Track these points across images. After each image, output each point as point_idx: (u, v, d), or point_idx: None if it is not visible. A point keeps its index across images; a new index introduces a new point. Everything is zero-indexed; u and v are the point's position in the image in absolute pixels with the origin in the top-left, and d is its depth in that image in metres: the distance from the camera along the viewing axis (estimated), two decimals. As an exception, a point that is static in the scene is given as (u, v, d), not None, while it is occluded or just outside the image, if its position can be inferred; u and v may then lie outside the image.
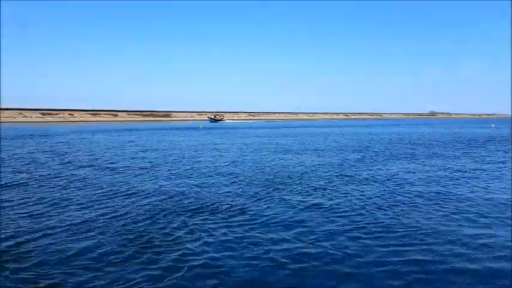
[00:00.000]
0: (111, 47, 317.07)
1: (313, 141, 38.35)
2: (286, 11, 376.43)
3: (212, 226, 9.17)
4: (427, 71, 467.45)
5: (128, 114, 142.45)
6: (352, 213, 10.31)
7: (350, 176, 16.37)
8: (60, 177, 15.98)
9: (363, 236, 8.50)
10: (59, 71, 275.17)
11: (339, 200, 11.79)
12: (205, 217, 9.91)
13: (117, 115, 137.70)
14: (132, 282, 6.31)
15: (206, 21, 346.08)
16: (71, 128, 70.96)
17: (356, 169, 18.33)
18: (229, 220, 9.66)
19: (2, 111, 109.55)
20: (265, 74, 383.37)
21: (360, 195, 12.59)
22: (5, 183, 14.54)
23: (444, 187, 13.99)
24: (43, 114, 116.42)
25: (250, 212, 10.41)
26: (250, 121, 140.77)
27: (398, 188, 13.87)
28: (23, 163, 20.31)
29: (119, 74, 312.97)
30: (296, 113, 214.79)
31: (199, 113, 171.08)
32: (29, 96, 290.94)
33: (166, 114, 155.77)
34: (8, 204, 11.23)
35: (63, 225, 9.22)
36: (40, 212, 10.39)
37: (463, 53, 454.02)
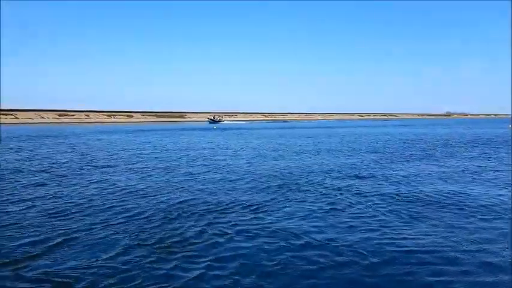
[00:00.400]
0: (122, 47, 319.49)
1: (331, 141, 37.65)
2: (288, 11, 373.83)
3: (239, 228, 8.64)
4: (437, 71, 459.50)
5: (143, 115, 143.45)
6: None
7: (373, 176, 15.69)
8: (79, 176, 15.68)
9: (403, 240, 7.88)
10: (65, 71, 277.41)
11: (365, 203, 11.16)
12: (232, 217, 9.40)
13: (132, 116, 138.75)
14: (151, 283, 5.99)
15: (208, 21, 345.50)
16: (88, 128, 71.53)
17: (374, 170, 17.63)
18: (258, 221, 9.13)
19: (19, 112, 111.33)
20: (276, 74, 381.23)
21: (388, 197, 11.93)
22: (26, 183, 14.28)
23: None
24: (59, 115, 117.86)
25: (278, 213, 9.86)
26: (254, 122, 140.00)
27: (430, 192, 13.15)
28: (43, 163, 20.14)
29: (133, 75, 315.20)
30: (310, 113, 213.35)
31: (212, 113, 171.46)
32: (44, 97, 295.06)
33: (181, 115, 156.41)
34: (29, 203, 10.89)
35: (82, 224, 8.85)
36: (60, 210, 10.02)
37: (477, 52, 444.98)
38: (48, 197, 11.98)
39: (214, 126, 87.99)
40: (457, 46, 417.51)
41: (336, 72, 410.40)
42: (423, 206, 10.89)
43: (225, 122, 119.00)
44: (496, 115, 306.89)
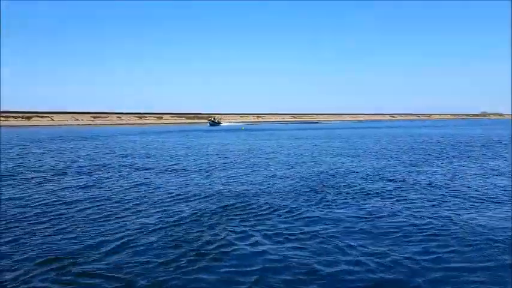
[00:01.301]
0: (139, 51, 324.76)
1: (372, 142, 36.70)
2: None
3: (271, 232, 8.25)
4: (478, 69, 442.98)
5: (172, 117, 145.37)
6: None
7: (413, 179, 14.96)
8: (123, 179, 15.71)
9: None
10: (99, 75, 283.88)
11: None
12: (267, 221, 9.02)
13: (161, 118, 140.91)
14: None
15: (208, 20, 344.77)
16: (121, 130, 72.96)
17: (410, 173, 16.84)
18: (293, 224, 8.71)
19: (55, 114, 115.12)
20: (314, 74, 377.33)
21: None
22: (69, 185, 14.41)
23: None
24: (93, 117, 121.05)
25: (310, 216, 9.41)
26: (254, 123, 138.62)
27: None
28: (85, 164, 20.41)
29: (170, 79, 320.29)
30: (339, 114, 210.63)
31: (242, 115, 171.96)
32: (79, 100, 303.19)
33: (211, 116, 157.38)
34: (72, 205, 10.89)
35: (119, 226, 8.70)
36: (109, 213, 9.92)
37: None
38: (96, 199, 11.97)
39: (243, 127, 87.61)
40: (494, 42, 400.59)
41: (365, 71, 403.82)
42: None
43: (223, 123, 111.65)
44: None
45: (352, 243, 7.75)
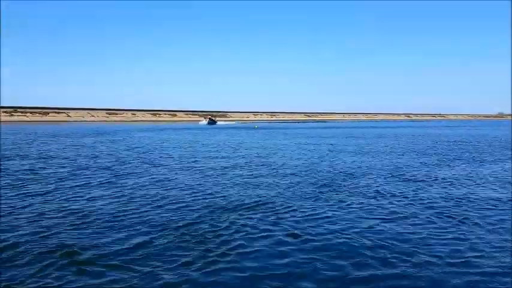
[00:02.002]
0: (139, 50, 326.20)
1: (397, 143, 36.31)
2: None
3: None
4: (492, 69, 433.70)
5: (186, 114, 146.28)
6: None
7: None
8: (141, 174, 15.82)
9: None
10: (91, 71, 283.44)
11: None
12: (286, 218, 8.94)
13: (175, 115, 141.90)
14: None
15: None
16: (136, 126, 73.64)
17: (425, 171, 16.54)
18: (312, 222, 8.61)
19: (71, 110, 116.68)
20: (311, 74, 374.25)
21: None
22: (89, 182, 14.55)
23: None
24: (109, 113, 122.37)
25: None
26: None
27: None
28: (105, 160, 20.62)
29: (176, 76, 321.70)
30: (353, 113, 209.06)
31: (255, 113, 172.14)
32: (94, 97, 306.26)
33: (223, 114, 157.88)
34: (101, 201, 10.97)
35: (131, 223, 8.71)
36: (131, 208, 9.97)
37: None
38: (118, 195, 12.05)
39: (256, 125, 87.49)
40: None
41: (380, 70, 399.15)
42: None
43: (218, 123, 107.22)
44: None
45: (384, 244, 7.62)
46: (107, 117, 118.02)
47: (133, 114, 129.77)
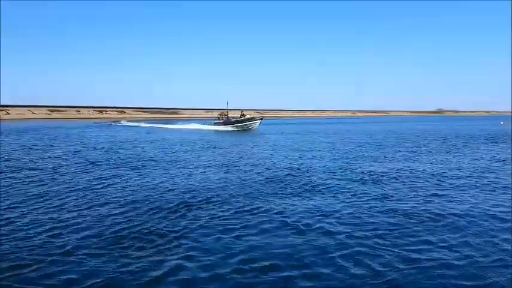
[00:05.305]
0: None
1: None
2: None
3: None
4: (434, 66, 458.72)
5: (136, 111, 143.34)
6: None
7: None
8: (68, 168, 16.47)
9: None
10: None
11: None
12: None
13: (124, 112, 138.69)
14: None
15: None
16: (79, 124, 71.88)
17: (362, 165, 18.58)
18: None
19: (11, 108, 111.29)
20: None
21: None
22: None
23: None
24: (51, 111, 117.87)
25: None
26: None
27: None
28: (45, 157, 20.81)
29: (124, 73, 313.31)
30: (301, 110, 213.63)
31: (207, 110, 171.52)
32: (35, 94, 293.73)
33: (174, 111, 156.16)
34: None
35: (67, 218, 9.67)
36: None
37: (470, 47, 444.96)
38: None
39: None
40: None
41: (326, 69, 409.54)
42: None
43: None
44: (487, 112, 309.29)
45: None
46: (49, 114, 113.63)
47: (77, 111, 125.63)
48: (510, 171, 16.32)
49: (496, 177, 14.90)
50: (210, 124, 57.13)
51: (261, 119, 52.30)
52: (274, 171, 15.77)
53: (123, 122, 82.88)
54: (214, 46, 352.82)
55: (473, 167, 17.49)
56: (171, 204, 10.31)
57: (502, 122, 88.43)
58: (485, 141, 32.52)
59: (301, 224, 8.74)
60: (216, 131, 49.38)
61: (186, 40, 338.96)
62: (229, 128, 51.57)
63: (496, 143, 31.32)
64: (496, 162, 19.34)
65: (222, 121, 54.77)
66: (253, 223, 8.81)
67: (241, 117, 51.72)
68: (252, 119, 51.67)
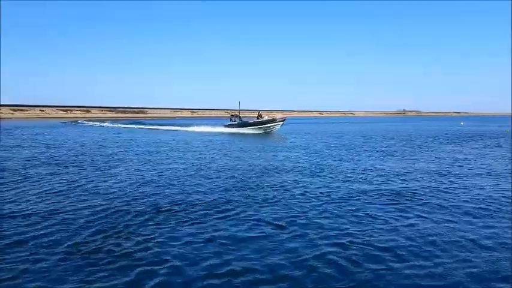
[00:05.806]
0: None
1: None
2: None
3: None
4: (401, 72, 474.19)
5: (101, 111, 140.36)
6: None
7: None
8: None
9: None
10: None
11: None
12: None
13: (89, 111, 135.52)
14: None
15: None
16: (46, 123, 69.83)
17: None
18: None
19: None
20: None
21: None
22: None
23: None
24: (13, 110, 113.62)
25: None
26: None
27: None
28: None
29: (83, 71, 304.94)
30: (269, 111, 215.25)
31: (175, 109, 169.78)
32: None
33: (141, 110, 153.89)
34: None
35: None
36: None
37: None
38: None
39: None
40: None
41: (293, 70, 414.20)
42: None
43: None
44: (458, 113, 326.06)
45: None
46: (12, 113, 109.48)
47: (41, 110, 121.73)
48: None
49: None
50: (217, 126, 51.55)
51: (283, 120, 46.22)
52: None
53: (108, 123, 71.14)
54: (198, 45, 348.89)
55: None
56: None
57: (462, 123, 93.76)
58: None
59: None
60: (230, 134, 43.78)
61: (166, 40, 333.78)
62: (246, 130, 45.84)
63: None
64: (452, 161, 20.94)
65: (235, 123, 48.81)
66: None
67: (258, 118, 45.91)
68: (274, 120, 45.58)
